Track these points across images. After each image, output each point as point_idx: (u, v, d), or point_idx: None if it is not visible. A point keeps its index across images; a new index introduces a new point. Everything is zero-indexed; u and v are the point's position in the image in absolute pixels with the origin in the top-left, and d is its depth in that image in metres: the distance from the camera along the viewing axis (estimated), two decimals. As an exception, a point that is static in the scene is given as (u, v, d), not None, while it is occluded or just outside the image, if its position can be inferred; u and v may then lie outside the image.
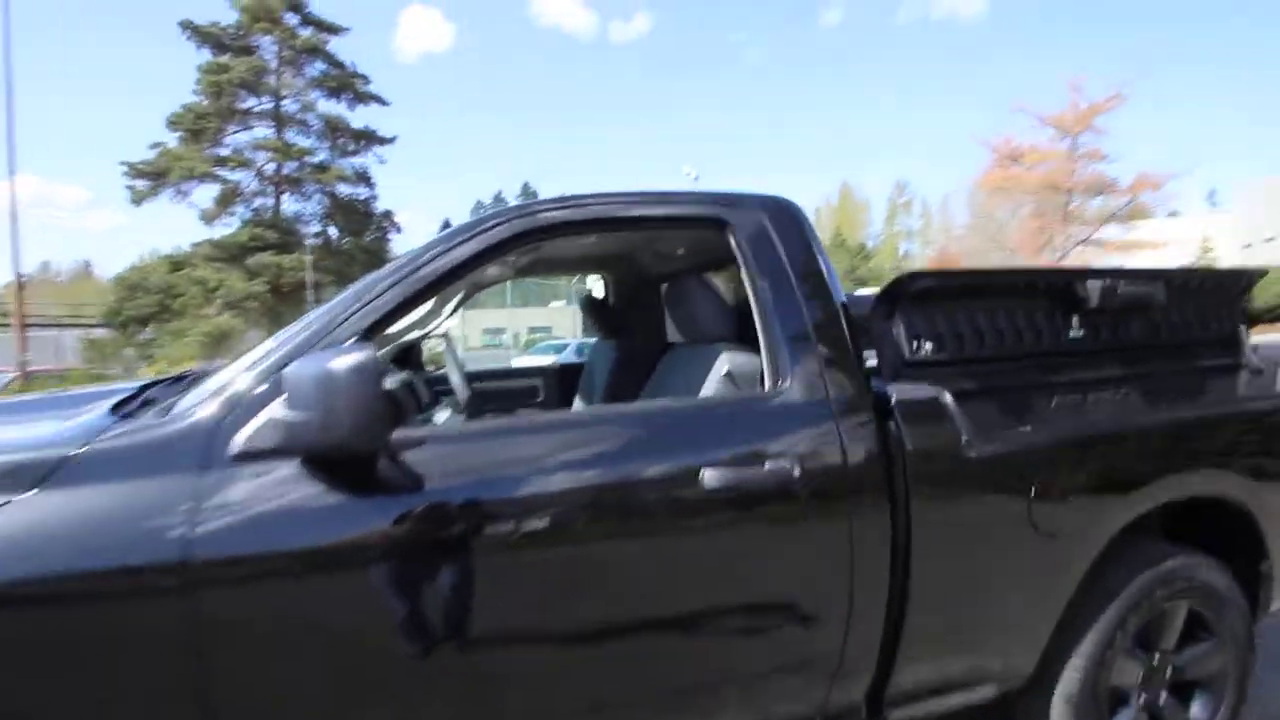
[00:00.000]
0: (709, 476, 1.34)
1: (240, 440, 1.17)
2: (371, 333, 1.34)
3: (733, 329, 1.80)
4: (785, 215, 1.64)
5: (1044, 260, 15.15)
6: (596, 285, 3.38)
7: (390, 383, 1.89)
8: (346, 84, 25.31)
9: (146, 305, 21.97)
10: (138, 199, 23.09)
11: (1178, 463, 1.74)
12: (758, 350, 1.61)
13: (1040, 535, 1.59)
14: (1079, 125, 16.41)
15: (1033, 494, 1.58)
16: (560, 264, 2.97)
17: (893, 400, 1.55)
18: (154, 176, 22.73)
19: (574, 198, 1.54)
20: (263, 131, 24.53)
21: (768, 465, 1.38)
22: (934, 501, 1.53)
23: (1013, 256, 18.15)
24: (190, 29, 22.89)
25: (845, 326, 1.58)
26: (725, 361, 1.67)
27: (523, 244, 1.49)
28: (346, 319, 1.32)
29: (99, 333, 21.85)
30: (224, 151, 23.84)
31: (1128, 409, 1.91)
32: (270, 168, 24.58)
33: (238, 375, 1.25)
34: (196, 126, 23.02)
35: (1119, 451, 1.72)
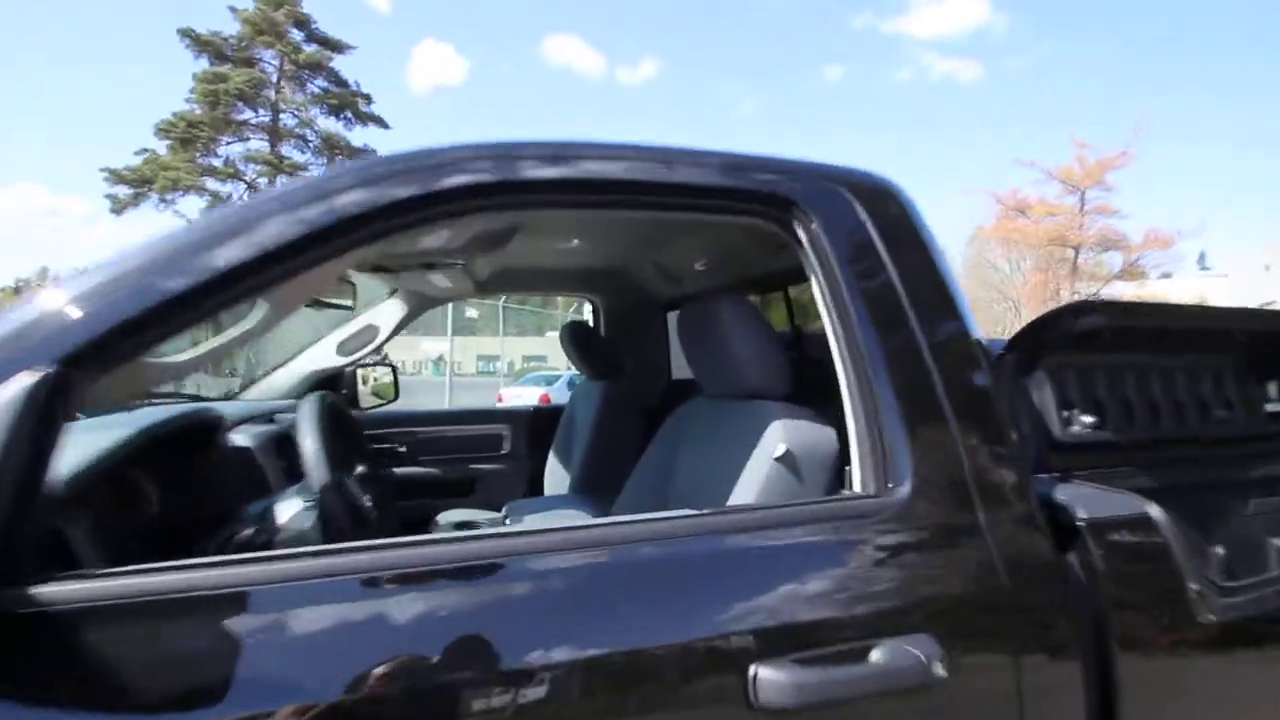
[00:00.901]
0: (766, 680, 0.67)
1: None
2: (152, 327, 0.68)
3: (786, 380, 1.15)
4: (888, 200, 1.00)
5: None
6: (587, 313, 2.73)
7: (244, 437, 1.21)
8: (348, 102, 24.96)
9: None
10: (119, 208, 22.30)
11: None
12: (831, 417, 0.97)
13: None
14: (1088, 180, 16.19)
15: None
16: (536, 278, 2.32)
17: (1078, 517, 0.89)
18: (137, 184, 22.02)
19: (567, 146, 0.89)
20: (257, 144, 24.04)
21: (876, 656, 0.71)
22: (1153, 701, 0.87)
23: (1018, 307, 17.80)
24: (189, 37, 22.55)
25: (993, 384, 0.93)
26: (779, 434, 1.01)
27: (488, 202, 0.84)
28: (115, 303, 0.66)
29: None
30: (215, 162, 23.28)
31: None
32: (262, 181, 24.03)
33: None
34: (187, 135, 22.39)
35: None
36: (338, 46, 24.77)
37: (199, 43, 22.92)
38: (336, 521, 0.86)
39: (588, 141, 0.91)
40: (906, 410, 0.86)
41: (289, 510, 0.91)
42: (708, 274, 1.82)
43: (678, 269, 1.93)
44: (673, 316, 2.41)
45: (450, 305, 10.72)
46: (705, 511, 0.78)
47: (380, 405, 2.43)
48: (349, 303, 1.57)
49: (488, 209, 0.86)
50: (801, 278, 1.72)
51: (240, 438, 1.22)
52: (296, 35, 24.06)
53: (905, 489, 0.82)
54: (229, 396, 2.01)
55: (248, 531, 0.93)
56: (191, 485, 1.06)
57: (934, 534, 0.81)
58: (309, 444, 0.91)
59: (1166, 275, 18.42)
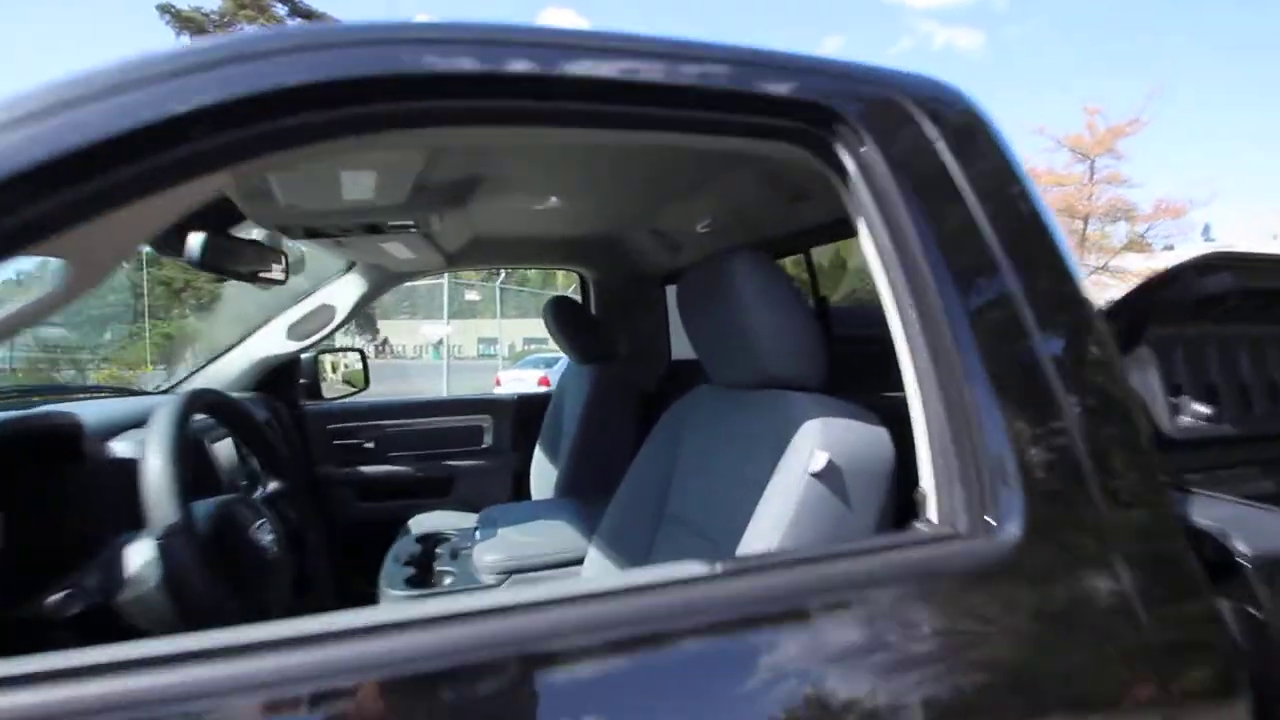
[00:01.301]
0: None
1: None
2: None
3: (821, 365, 0.88)
4: (962, 112, 0.72)
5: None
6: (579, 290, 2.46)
7: (130, 446, 0.95)
8: (336, 80, 24.39)
9: (111, 306, 20.75)
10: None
11: None
12: (888, 413, 0.72)
13: None
14: (1098, 148, 15.70)
15: None
16: (515, 248, 2.04)
17: (1239, 552, 0.64)
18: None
19: (557, 34, 0.61)
20: (244, 124, 23.45)
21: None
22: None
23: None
24: (169, 12, 21.88)
25: (1120, 369, 0.67)
26: (816, 439, 0.74)
27: (453, 105, 0.56)
28: None
29: (55, 333, 20.65)
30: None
31: None
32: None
33: None
34: (173, 116, 21.89)
35: None
36: (323, 21, 24.14)
37: (179, 18, 22.22)
38: (188, 579, 0.60)
39: (586, 31, 0.63)
40: (1008, 407, 0.60)
41: (139, 556, 0.65)
42: (712, 236, 1.55)
43: (676, 232, 1.66)
44: (673, 291, 2.14)
45: (448, 288, 10.38)
46: (720, 569, 0.52)
47: (351, 394, 2.17)
48: (279, 276, 1.31)
49: (417, 120, 0.57)
50: (825, 237, 1.45)
51: (123, 447, 0.96)
52: (280, 10, 23.35)
53: (1016, 527, 0.55)
54: (156, 392, 1.75)
55: (91, 582, 0.67)
56: (49, 512, 0.80)
57: (1058, 593, 0.55)
58: (154, 464, 0.65)
59: (1169, 247, 17.95)
